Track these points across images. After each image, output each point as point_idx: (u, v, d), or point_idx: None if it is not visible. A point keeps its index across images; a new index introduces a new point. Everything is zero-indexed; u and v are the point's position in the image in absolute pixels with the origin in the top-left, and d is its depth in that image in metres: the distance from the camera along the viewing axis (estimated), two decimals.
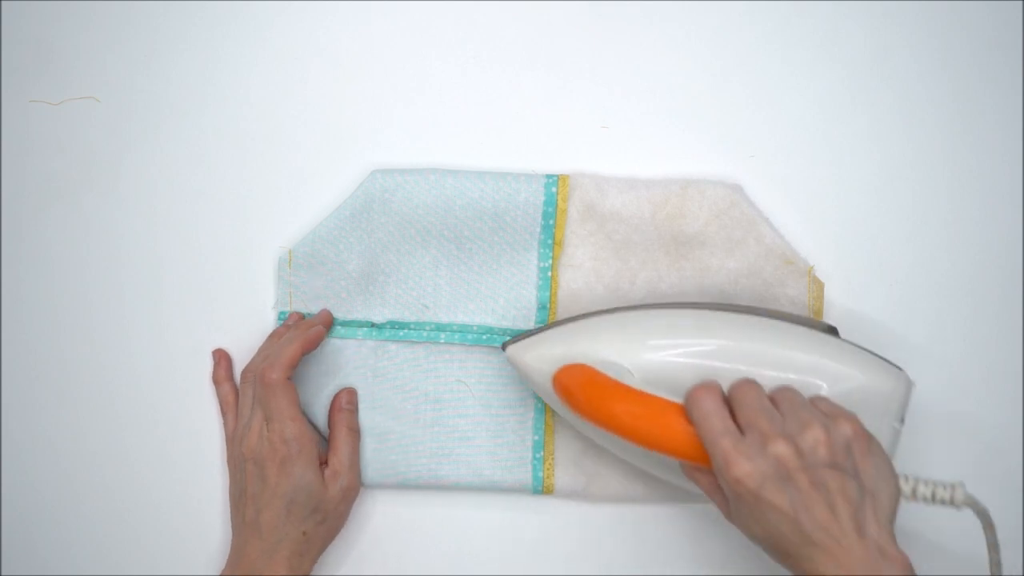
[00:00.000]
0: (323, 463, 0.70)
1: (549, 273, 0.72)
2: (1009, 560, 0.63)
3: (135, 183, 0.73)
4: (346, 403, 0.72)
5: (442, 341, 0.72)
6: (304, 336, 0.69)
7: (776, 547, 0.58)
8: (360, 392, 0.72)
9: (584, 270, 0.72)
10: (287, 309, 0.72)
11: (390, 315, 0.72)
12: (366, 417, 0.72)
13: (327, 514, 0.69)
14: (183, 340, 0.73)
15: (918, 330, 0.73)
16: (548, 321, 0.72)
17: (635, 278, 0.72)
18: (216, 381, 0.73)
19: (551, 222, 0.72)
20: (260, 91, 0.73)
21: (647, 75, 0.73)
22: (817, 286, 0.71)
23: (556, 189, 0.71)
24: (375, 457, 0.72)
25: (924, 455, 0.73)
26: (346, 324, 0.72)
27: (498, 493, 0.73)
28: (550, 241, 0.72)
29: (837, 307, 0.72)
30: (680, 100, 0.73)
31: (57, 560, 0.74)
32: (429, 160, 0.73)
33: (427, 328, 0.72)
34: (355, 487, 0.70)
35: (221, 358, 0.73)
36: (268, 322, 0.73)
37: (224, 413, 0.72)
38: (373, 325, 0.72)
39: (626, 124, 0.73)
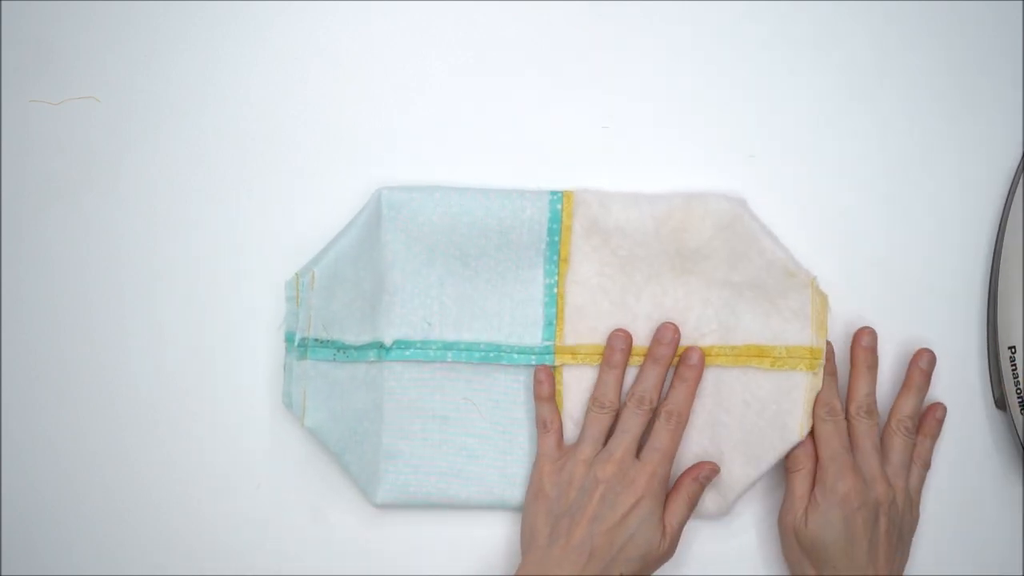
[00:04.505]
0: None
1: (555, 290, 0.72)
2: None
3: (135, 183, 0.73)
4: (704, 477, 0.71)
5: (449, 360, 0.72)
6: (697, 379, 0.71)
7: None
8: (370, 413, 0.72)
9: (590, 286, 0.72)
10: (307, 334, 0.71)
11: (396, 334, 0.71)
12: (384, 437, 0.72)
13: (645, 566, 0.68)
14: (183, 340, 0.73)
15: (918, 332, 0.73)
16: (555, 337, 0.72)
17: (640, 293, 0.72)
18: (540, 398, 0.72)
19: (556, 239, 0.71)
20: (260, 91, 0.73)
21: (648, 78, 0.73)
22: (820, 298, 0.70)
23: (561, 206, 0.71)
24: (386, 478, 0.72)
25: (934, 468, 0.73)
26: (359, 348, 0.72)
27: (509, 511, 0.73)
28: (555, 258, 0.72)
29: (841, 311, 0.72)
30: (685, 103, 0.73)
31: (57, 560, 0.74)
32: (432, 167, 0.73)
33: (433, 347, 0.72)
34: (671, 553, 0.69)
35: (546, 376, 0.72)
36: (267, 320, 0.73)
37: (546, 431, 0.71)
38: (382, 347, 0.71)
39: (629, 128, 0.73)
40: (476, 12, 0.73)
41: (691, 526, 0.71)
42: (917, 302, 0.73)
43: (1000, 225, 0.72)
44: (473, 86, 0.73)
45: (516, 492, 0.72)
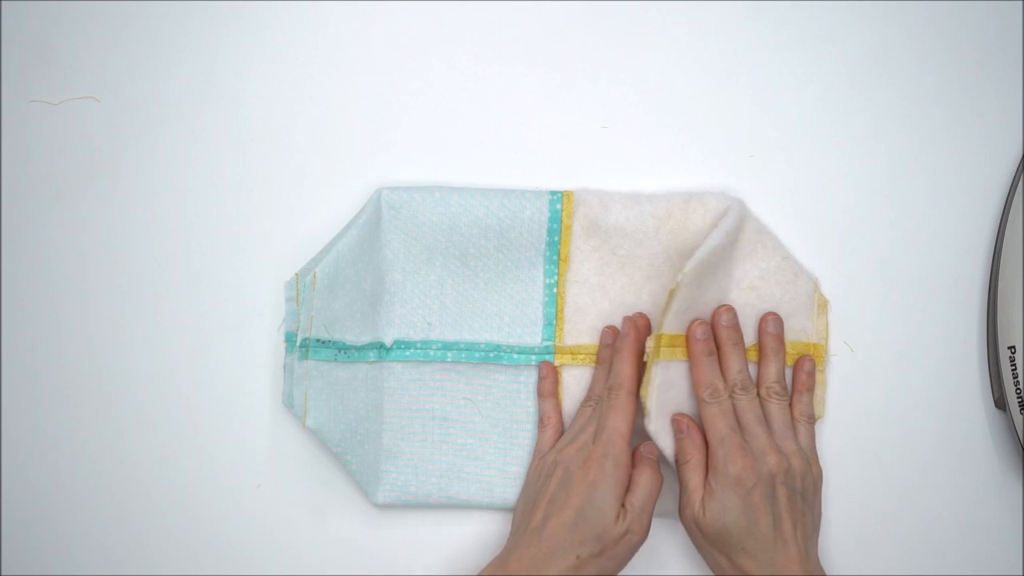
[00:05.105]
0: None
1: (555, 289, 0.72)
2: None
3: (135, 183, 0.73)
4: (647, 450, 0.70)
5: (449, 359, 0.72)
6: (632, 348, 0.69)
7: None
8: (370, 413, 0.72)
9: (589, 285, 0.72)
10: (309, 334, 0.71)
11: (396, 334, 0.71)
12: (384, 437, 0.72)
13: (605, 548, 0.66)
14: (183, 341, 0.73)
15: (919, 332, 0.73)
16: (555, 337, 0.72)
17: (640, 292, 0.72)
18: (542, 394, 0.72)
19: (556, 239, 0.72)
20: (260, 91, 0.73)
21: (648, 78, 0.73)
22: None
23: (561, 205, 0.71)
24: (386, 478, 0.72)
25: (934, 468, 0.73)
26: (360, 348, 0.72)
27: (509, 511, 0.73)
28: (555, 257, 0.72)
29: (842, 311, 0.72)
30: (685, 103, 0.73)
31: (57, 560, 0.74)
32: (432, 167, 0.73)
33: (434, 347, 0.72)
34: (639, 534, 0.67)
35: (549, 372, 0.72)
36: (267, 320, 0.73)
37: (544, 427, 0.72)
38: (383, 347, 0.72)
39: (629, 128, 0.73)
40: (476, 12, 0.73)
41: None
42: (917, 302, 0.73)
43: (1000, 225, 0.72)
44: (473, 86, 0.73)
45: (516, 492, 0.72)
